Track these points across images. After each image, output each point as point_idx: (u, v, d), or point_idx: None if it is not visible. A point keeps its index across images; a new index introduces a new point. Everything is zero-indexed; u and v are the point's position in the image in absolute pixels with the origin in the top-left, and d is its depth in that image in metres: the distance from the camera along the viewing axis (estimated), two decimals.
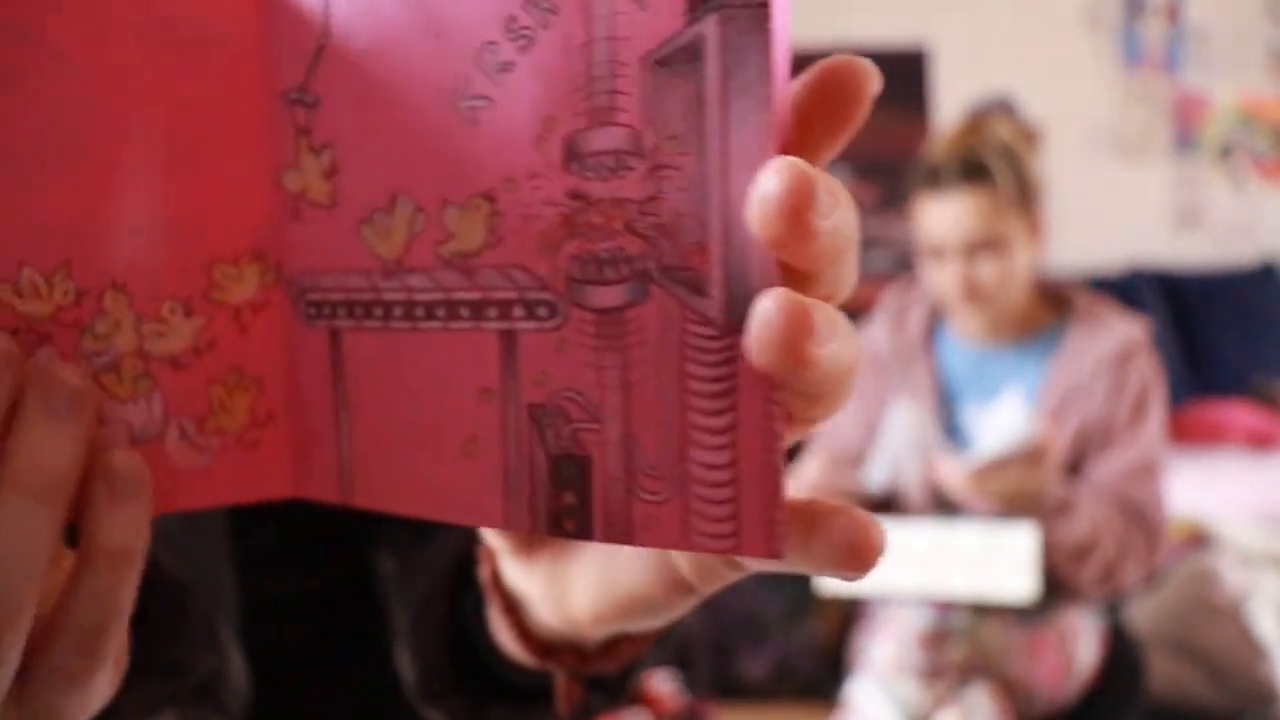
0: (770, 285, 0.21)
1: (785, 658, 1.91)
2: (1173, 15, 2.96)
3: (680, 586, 0.28)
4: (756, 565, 0.25)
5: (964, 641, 1.22)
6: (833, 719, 1.29)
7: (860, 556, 0.23)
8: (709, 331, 0.22)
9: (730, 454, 0.22)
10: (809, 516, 0.23)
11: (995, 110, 1.39)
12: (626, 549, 0.29)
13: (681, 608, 0.29)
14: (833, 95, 0.22)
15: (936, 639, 1.22)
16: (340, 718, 0.56)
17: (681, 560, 0.28)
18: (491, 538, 0.33)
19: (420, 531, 0.49)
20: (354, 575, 0.54)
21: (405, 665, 0.45)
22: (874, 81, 0.22)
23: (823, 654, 1.78)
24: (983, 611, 1.22)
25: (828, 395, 0.22)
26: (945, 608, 1.23)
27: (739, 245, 0.21)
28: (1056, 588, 1.19)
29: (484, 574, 0.36)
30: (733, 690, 1.88)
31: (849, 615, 1.41)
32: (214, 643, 0.43)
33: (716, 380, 0.22)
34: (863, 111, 0.22)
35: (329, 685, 0.55)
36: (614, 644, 0.36)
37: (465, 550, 0.42)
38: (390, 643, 0.51)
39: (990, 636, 1.22)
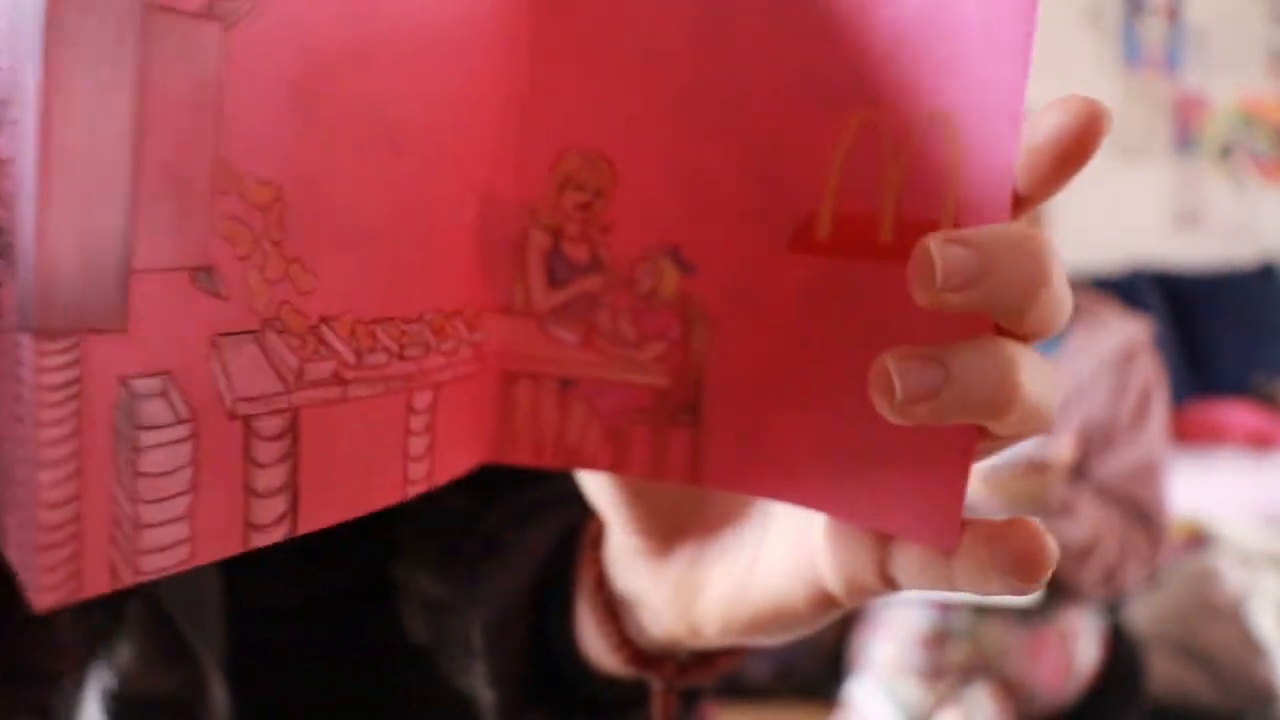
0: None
1: (785, 658, 1.91)
2: (1173, 15, 2.96)
3: (823, 600, 0.28)
4: (910, 575, 0.25)
5: (965, 642, 1.22)
6: (833, 719, 1.29)
7: (1029, 567, 0.23)
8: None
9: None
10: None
11: None
12: (769, 555, 0.29)
13: (819, 622, 0.29)
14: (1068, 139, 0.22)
15: (937, 639, 1.22)
16: None
17: (829, 571, 0.27)
18: (624, 536, 0.33)
19: (479, 551, 0.47)
20: (351, 581, 0.54)
21: (481, 683, 0.44)
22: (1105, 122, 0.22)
23: (823, 654, 1.78)
24: (983, 612, 1.22)
25: None
26: (946, 608, 1.23)
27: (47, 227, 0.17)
28: (1057, 588, 1.19)
29: (586, 578, 0.36)
30: (733, 690, 1.88)
31: (849, 615, 1.41)
32: (187, 665, 0.43)
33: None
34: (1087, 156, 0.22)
35: (322, 693, 0.55)
36: (712, 655, 0.36)
37: (547, 564, 0.41)
38: (388, 650, 0.51)
39: (991, 637, 1.22)
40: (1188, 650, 1.72)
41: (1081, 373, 1.25)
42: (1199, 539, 1.93)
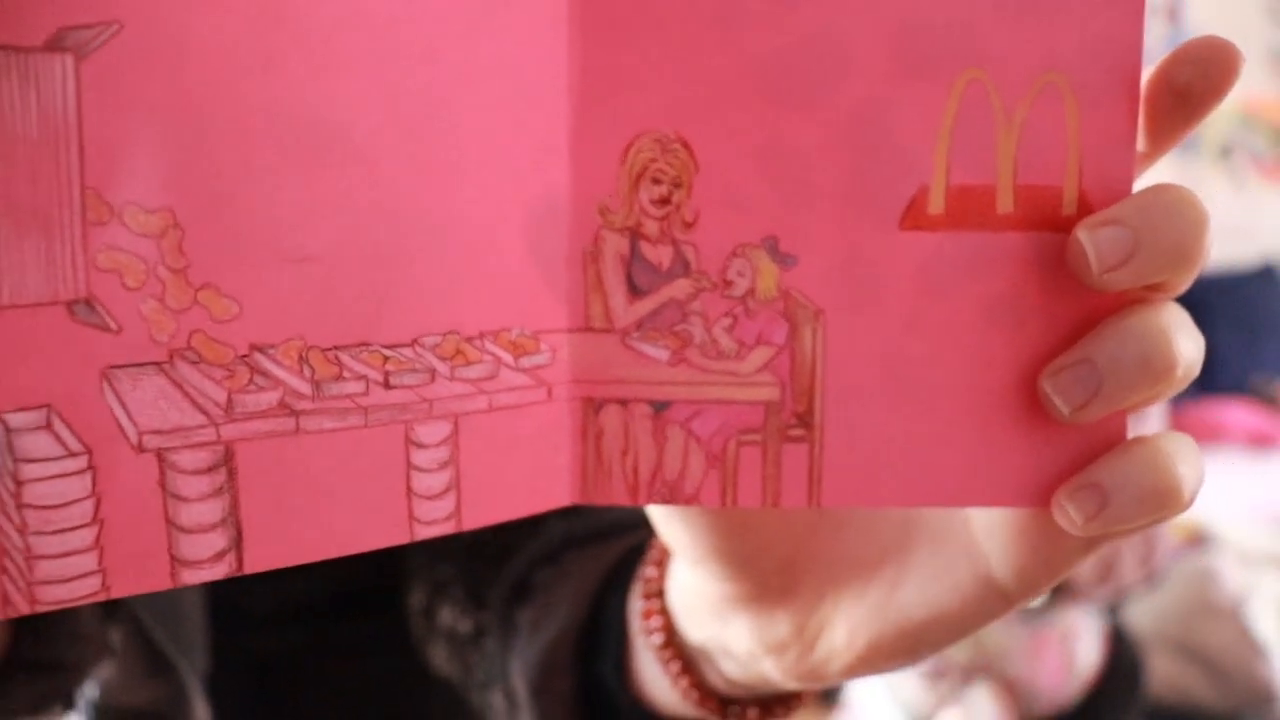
0: None
1: None
2: (1173, 15, 2.96)
3: (996, 599, 0.27)
4: (1070, 558, 0.25)
5: (967, 641, 1.22)
6: (834, 719, 1.29)
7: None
8: None
9: None
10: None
11: None
12: (918, 568, 0.28)
13: (984, 625, 0.28)
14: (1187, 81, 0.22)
15: None
16: None
17: (1004, 566, 0.26)
18: (718, 584, 0.30)
19: (517, 590, 0.47)
20: (335, 590, 0.54)
21: None
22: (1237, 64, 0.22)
23: None
24: None
25: None
26: None
27: None
28: (1058, 587, 1.20)
29: (650, 629, 0.34)
30: None
31: None
32: (169, 681, 0.43)
33: None
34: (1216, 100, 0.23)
35: (305, 704, 0.55)
36: (792, 693, 0.34)
37: (592, 610, 0.40)
38: (386, 658, 0.51)
39: (993, 636, 1.22)
40: (1188, 650, 1.72)
41: None
42: (1198, 539, 1.93)
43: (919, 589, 0.28)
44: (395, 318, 0.23)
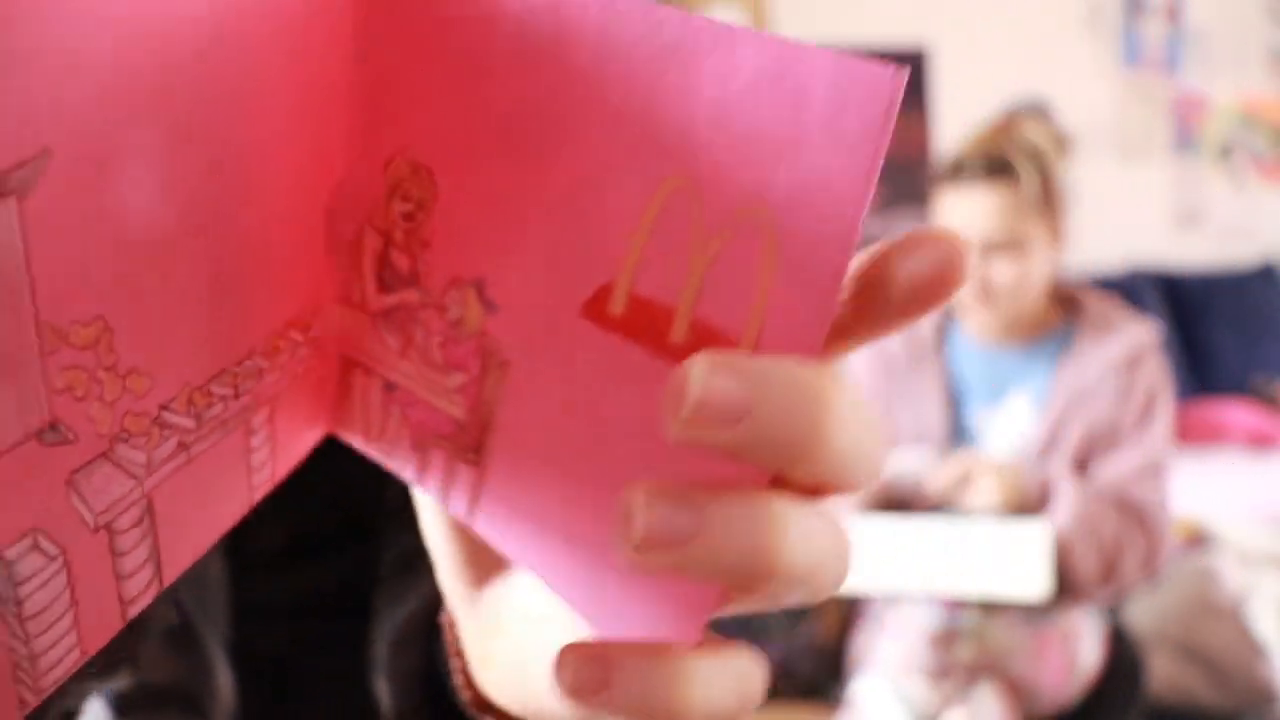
0: None
1: (785, 658, 1.91)
2: (1173, 15, 2.96)
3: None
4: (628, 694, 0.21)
5: (972, 641, 1.22)
6: (838, 718, 1.29)
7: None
8: None
9: None
10: None
11: (1029, 112, 1.38)
12: (544, 648, 0.27)
13: None
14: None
15: (945, 638, 1.22)
16: None
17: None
18: (445, 578, 0.31)
19: (407, 558, 0.47)
20: (350, 578, 0.54)
21: (384, 695, 0.44)
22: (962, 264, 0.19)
23: (823, 654, 1.78)
24: (990, 611, 1.22)
25: None
26: (954, 606, 1.23)
27: None
28: (1062, 587, 1.20)
29: (444, 618, 0.35)
30: None
31: (849, 615, 1.41)
32: (195, 653, 0.43)
33: None
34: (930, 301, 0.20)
35: (322, 691, 0.55)
36: None
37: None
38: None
39: (998, 636, 1.22)
40: (1188, 650, 1.72)
41: (1088, 375, 1.25)
42: (1199, 539, 1.93)
43: (543, 673, 0.26)
44: (238, 340, 0.24)
